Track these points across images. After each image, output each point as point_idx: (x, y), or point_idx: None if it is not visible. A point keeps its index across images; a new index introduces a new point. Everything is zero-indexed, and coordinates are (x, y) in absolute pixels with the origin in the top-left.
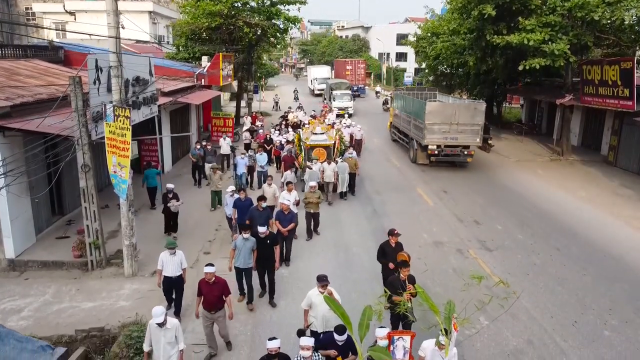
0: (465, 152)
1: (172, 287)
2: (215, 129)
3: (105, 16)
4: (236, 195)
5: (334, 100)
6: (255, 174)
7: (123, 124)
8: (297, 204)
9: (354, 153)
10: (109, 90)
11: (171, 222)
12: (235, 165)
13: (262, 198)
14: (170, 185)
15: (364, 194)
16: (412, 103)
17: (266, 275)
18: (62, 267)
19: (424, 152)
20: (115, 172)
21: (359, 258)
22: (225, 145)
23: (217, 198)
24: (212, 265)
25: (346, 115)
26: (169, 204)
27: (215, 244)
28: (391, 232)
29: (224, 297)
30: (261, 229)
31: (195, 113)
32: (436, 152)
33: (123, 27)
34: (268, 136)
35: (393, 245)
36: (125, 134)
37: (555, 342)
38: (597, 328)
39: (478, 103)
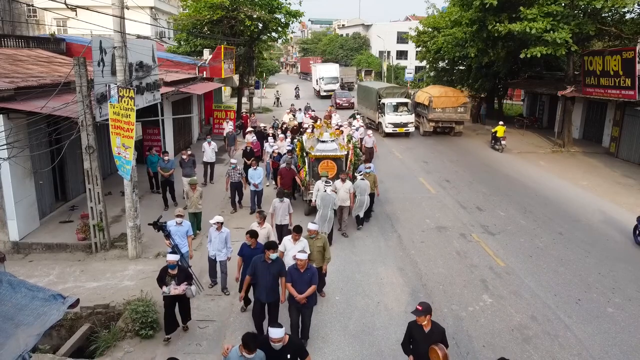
0: (352, 82)
1: None
2: (217, 122)
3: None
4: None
5: (387, 114)
6: (244, 193)
7: (127, 104)
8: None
9: (373, 166)
10: (113, 73)
11: (174, 315)
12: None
13: (271, 246)
14: (173, 257)
15: None
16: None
17: None
18: (66, 249)
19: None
20: (119, 153)
21: (362, 241)
22: (209, 150)
23: (197, 222)
24: None
25: (359, 123)
26: (171, 288)
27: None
28: (419, 312)
29: None
30: (276, 334)
31: (197, 106)
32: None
33: (127, 8)
34: (248, 147)
35: (426, 330)
36: (129, 115)
37: (559, 318)
38: (600, 305)
39: (352, 69)
